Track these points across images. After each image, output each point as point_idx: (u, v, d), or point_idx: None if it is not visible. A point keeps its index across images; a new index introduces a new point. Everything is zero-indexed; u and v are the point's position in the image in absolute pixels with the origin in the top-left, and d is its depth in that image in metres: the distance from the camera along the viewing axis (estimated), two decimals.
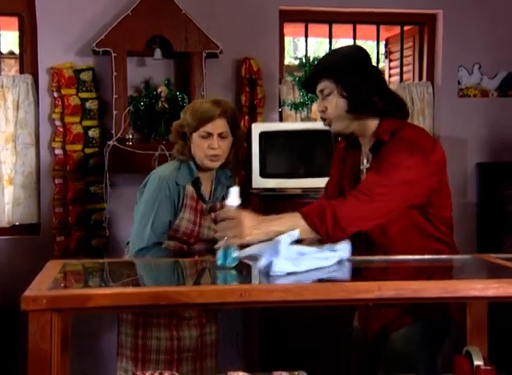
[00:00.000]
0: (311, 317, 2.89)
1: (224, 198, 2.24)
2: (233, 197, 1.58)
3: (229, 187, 2.18)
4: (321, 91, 1.88)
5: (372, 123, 1.86)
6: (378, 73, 1.99)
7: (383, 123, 1.84)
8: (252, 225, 1.54)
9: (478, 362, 1.58)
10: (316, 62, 2.04)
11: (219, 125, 2.25)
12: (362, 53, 1.92)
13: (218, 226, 1.57)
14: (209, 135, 2.24)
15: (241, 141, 2.44)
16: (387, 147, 1.78)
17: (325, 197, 2.08)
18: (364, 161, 1.91)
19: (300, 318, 2.87)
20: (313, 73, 1.95)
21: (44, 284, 1.31)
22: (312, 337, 2.98)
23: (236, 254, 1.54)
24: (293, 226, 1.57)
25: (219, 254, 1.55)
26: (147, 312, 2.19)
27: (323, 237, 1.61)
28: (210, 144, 2.24)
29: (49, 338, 1.19)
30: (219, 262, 1.54)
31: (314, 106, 3.43)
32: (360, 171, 1.93)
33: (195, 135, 2.26)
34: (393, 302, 1.51)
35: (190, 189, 2.28)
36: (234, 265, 1.54)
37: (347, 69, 1.84)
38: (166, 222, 2.24)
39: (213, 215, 2.27)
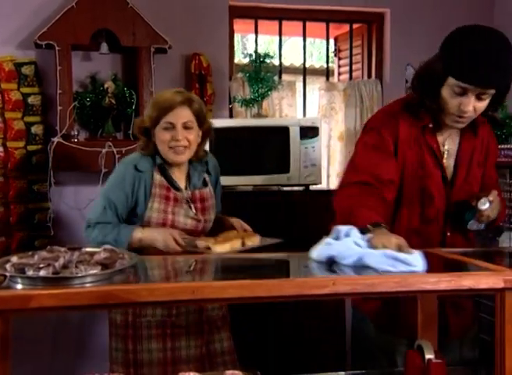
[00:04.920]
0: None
1: (204, 185, 2.22)
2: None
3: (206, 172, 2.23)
4: (483, 93, 1.77)
5: None
6: None
7: None
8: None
9: (429, 356, 1.59)
10: (490, 67, 1.72)
11: (182, 114, 2.10)
12: None
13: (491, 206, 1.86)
14: (172, 126, 2.09)
15: (210, 135, 2.27)
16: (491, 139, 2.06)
17: (372, 179, 1.84)
18: (446, 143, 1.98)
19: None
20: (488, 82, 1.75)
21: None
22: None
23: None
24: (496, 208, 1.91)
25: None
26: (136, 325, 2.08)
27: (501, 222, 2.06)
28: (173, 136, 2.08)
29: None
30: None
31: (265, 103, 3.41)
32: (441, 153, 1.96)
33: (157, 129, 2.11)
34: (348, 297, 1.50)
35: (157, 177, 2.14)
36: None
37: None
38: (123, 202, 2.10)
39: (192, 205, 2.17)
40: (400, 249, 1.46)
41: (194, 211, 2.17)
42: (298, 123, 3.01)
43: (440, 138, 1.97)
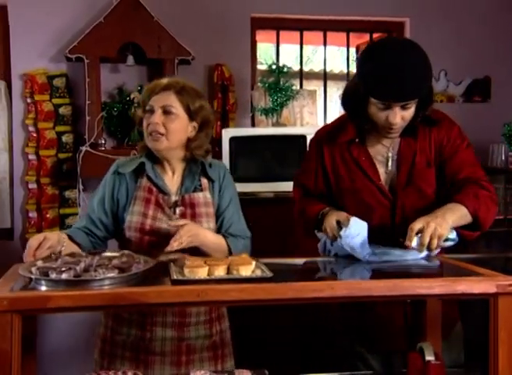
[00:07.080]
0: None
1: (196, 189, 1.96)
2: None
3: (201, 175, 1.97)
4: (406, 103, 1.78)
5: None
6: None
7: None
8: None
9: (429, 358, 1.65)
10: (405, 81, 1.72)
11: (163, 98, 1.88)
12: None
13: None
14: (151, 109, 1.89)
15: (208, 130, 1.99)
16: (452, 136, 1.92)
17: (302, 193, 2.06)
18: (384, 153, 1.95)
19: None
20: (406, 96, 1.75)
21: (6, 286, 1.36)
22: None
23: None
24: (463, 216, 1.77)
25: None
26: (113, 342, 1.95)
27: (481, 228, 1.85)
28: (151, 120, 1.88)
29: (9, 339, 1.23)
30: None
31: (285, 111, 3.49)
32: (370, 164, 1.95)
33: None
34: (346, 301, 1.58)
35: (144, 181, 1.96)
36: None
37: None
38: (97, 207, 1.98)
39: (178, 210, 1.94)
40: (338, 222, 1.82)
41: (178, 217, 1.92)
42: (314, 132, 3.07)
43: (375, 149, 1.96)
